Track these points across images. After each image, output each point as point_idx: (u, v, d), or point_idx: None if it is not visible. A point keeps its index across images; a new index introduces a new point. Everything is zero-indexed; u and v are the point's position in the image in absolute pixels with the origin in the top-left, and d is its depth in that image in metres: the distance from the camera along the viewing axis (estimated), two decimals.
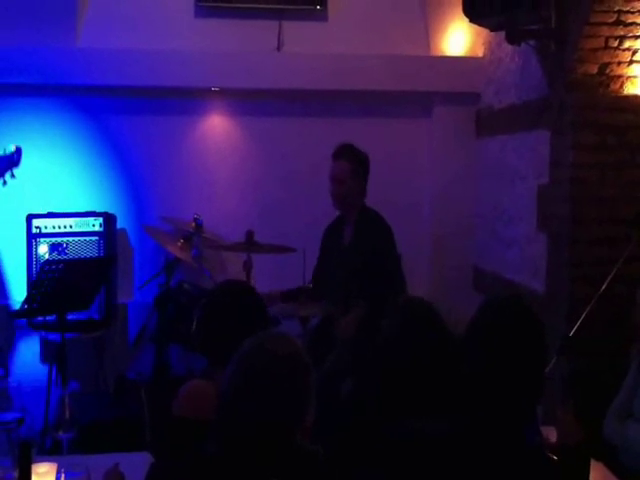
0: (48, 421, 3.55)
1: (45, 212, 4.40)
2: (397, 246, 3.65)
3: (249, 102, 4.79)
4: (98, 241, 4.40)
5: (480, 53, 4.67)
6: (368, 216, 3.66)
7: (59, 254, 4.28)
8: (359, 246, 3.59)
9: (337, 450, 1.73)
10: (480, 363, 1.84)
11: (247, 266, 3.81)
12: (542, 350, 1.86)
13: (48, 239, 4.35)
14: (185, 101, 4.75)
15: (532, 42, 3.77)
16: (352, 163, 3.66)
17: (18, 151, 3.62)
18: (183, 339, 3.77)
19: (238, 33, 4.70)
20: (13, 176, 3.62)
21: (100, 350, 4.35)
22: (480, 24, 3.94)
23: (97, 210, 4.49)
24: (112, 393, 4.02)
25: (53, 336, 4.17)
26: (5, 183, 3.63)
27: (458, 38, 4.83)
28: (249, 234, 3.77)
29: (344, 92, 4.71)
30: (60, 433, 2.98)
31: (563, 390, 3.25)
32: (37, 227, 4.36)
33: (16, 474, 2.18)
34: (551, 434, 2.14)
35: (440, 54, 4.86)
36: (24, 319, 4.11)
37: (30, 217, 4.36)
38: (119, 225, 4.60)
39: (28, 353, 4.47)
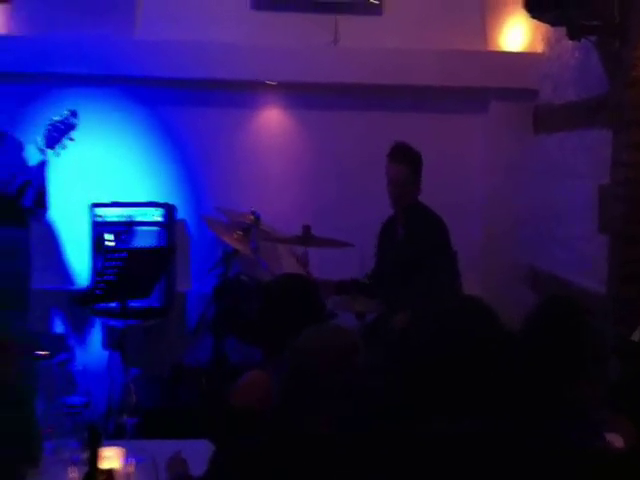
0: (111, 405, 3.68)
1: (108, 202, 4.54)
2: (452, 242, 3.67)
3: (304, 96, 4.83)
4: (159, 231, 4.51)
5: (539, 49, 4.64)
6: (421, 212, 3.70)
7: (121, 243, 4.41)
8: (413, 242, 3.64)
9: (366, 446, 1.77)
10: (534, 363, 1.86)
11: (302, 260, 3.89)
12: (599, 353, 1.87)
13: (111, 227, 4.48)
14: (241, 94, 4.82)
15: (593, 38, 3.74)
16: (409, 166, 3.73)
17: (73, 113, 3.68)
18: (239, 330, 3.87)
19: (294, 27, 4.75)
20: (71, 139, 3.69)
21: (159, 338, 4.48)
22: (540, 19, 3.92)
23: (158, 201, 4.61)
24: (170, 380, 4.14)
25: (115, 322, 4.33)
26: (65, 147, 3.71)
27: (516, 33, 4.80)
28: (306, 228, 3.84)
29: (399, 87, 4.73)
30: (125, 417, 3.09)
31: (619, 394, 3.24)
32: (100, 216, 4.50)
33: (84, 456, 2.30)
34: (616, 440, 2.12)
35: (497, 49, 4.84)
36: (88, 306, 4.26)
37: (94, 206, 4.51)
38: (178, 216, 4.73)
39: (90, 338, 4.63)
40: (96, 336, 4.62)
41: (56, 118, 3.61)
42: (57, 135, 3.60)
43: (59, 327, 4.68)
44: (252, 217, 4.30)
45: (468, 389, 2.01)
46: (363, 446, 1.73)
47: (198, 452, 2.26)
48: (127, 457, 2.30)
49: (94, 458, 1.83)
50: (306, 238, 3.86)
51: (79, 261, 4.67)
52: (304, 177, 4.85)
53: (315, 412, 1.70)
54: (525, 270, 4.72)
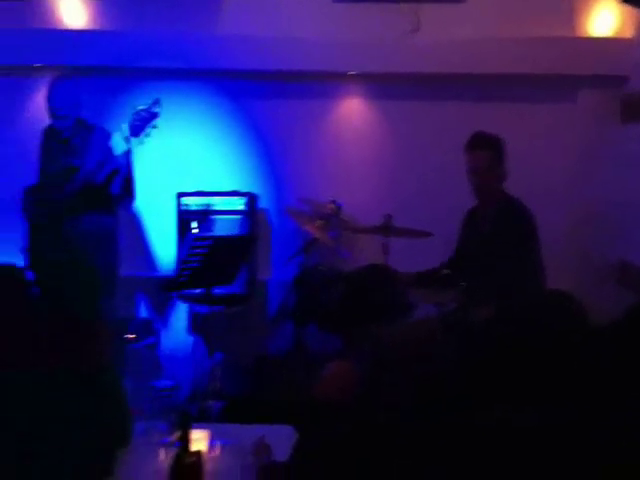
0: (196, 389, 3.78)
1: (193, 191, 4.66)
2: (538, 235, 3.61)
3: (385, 86, 4.83)
4: (241, 219, 4.60)
5: (628, 34, 4.50)
6: (509, 204, 3.63)
7: (206, 231, 4.52)
8: (498, 235, 3.58)
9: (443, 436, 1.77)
10: (619, 360, 1.82)
11: (384, 250, 3.89)
12: None
13: (196, 216, 4.59)
14: (322, 85, 4.85)
15: None
16: (489, 152, 3.64)
17: (156, 102, 3.74)
18: (319, 319, 3.91)
19: (374, 17, 4.74)
20: (155, 127, 3.74)
21: (241, 324, 4.57)
22: (630, 3, 3.80)
23: (241, 190, 4.70)
24: (252, 368, 4.23)
25: (199, 308, 4.45)
26: (148, 136, 3.77)
27: (605, 18, 4.66)
28: (387, 218, 3.84)
29: (482, 76, 4.66)
30: (210, 402, 3.16)
31: None
32: (186, 205, 4.63)
33: (173, 439, 2.39)
34: None
35: (585, 35, 4.71)
36: (174, 292, 4.38)
37: (180, 195, 4.63)
38: (260, 205, 4.81)
39: (176, 323, 4.77)
40: (181, 321, 4.75)
41: (140, 107, 3.70)
42: (141, 124, 3.68)
43: (145, 312, 4.83)
44: (333, 206, 4.34)
45: (550, 384, 1.99)
46: (440, 436, 1.74)
47: (282, 437, 2.31)
48: (213, 440, 2.37)
49: (185, 440, 1.90)
50: (386, 228, 3.86)
51: (165, 248, 4.81)
52: (385, 167, 4.85)
53: (395, 403, 1.72)
54: (614, 264, 4.59)
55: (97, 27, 4.75)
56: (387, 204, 4.46)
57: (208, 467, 2.06)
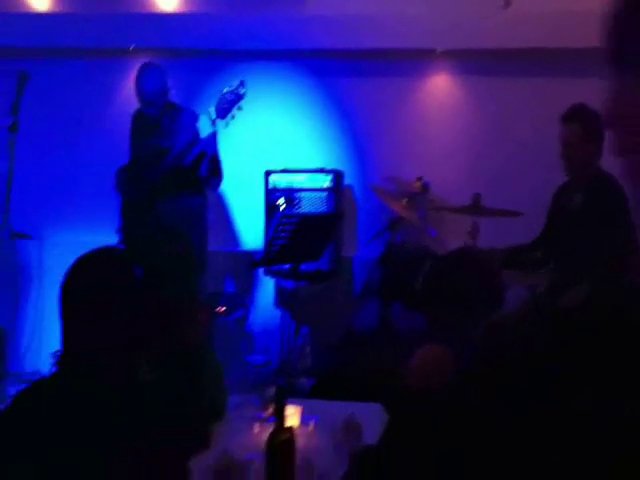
0: (286, 366, 3.88)
1: (280, 169, 4.73)
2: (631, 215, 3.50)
3: (473, 62, 4.75)
4: (327, 197, 4.65)
5: None
6: (602, 181, 3.52)
7: (293, 208, 4.59)
8: (590, 212, 3.50)
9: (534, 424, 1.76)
10: None
11: (473, 230, 3.87)
12: None
13: (283, 194, 4.67)
14: (409, 62, 4.82)
15: None
16: (583, 125, 3.53)
17: (242, 84, 3.80)
18: (405, 297, 3.93)
19: None
20: (240, 109, 3.80)
21: (328, 300, 4.64)
22: None
23: (327, 167, 4.75)
24: (339, 343, 4.29)
25: (286, 283, 4.55)
26: (234, 117, 3.84)
27: None
28: (475, 197, 3.81)
29: (574, 50, 4.52)
30: (301, 379, 3.24)
31: None
32: (273, 182, 4.71)
33: (266, 413, 2.47)
34: None
35: None
36: (263, 267, 4.49)
37: (268, 173, 4.71)
38: (346, 182, 4.84)
39: (263, 298, 4.88)
40: (268, 296, 4.86)
41: (226, 89, 3.77)
42: (227, 106, 3.75)
43: (233, 287, 4.96)
44: (419, 184, 4.33)
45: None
46: (532, 423, 1.74)
47: (371, 416, 2.35)
48: (305, 416, 2.44)
49: (280, 417, 1.96)
50: (475, 207, 3.82)
51: (253, 225, 4.91)
52: (472, 144, 4.79)
53: (494, 394, 1.72)
54: None
55: (186, 10, 4.85)
56: (475, 182, 4.42)
57: (300, 443, 2.12)
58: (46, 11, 4.95)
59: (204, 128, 3.78)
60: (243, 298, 4.66)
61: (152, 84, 4.02)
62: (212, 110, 3.74)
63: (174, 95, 4.22)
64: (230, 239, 5.01)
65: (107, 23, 4.75)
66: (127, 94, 4.74)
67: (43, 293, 4.84)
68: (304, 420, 2.40)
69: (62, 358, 1.81)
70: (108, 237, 4.22)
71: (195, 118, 3.98)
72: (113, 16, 4.77)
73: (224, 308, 4.37)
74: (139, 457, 1.76)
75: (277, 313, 4.63)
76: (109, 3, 4.85)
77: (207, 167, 3.91)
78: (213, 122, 3.74)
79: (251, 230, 4.95)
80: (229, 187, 4.82)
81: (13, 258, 4.79)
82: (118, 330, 1.78)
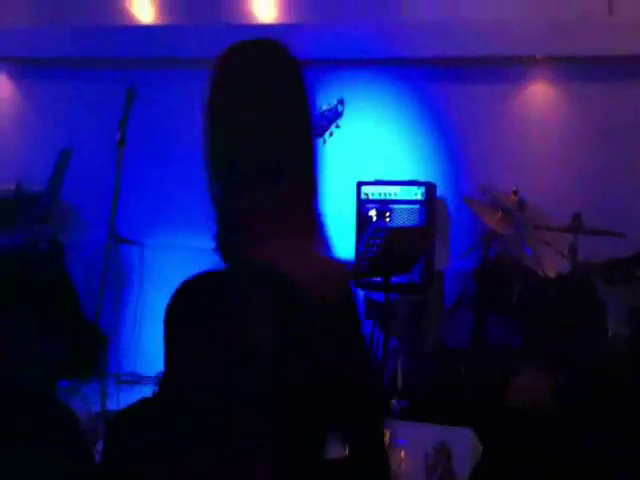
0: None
1: (373, 180, 4.72)
2: None
3: (576, 70, 4.61)
4: (420, 209, 4.60)
5: None
6: None
7: (384, 220, 4.57)
8: None
9: None
10: None
11: (571, 250, 3.76)
12: None
13: (375, 205, 4.66)
14: (507, 69, 4.72)
15: None
16: None
17: (341, 102, 3.80)
18: (501, 310, 3.85)
19: None
20: (338, 126, 3.80)
21: (418, 313, 4.60)
22: None
23: (419, 179, 4.70)
24: (431, 357, 4.25)
25: (377, 295, 4.53)
26: (332, 134, 3.88)
27: None
28: (576, 217, 3.70)
29: None
30: (393, 400, 3.23)
31: None
32: (366, 193, 4.70)
33: None
34: None
35: None
36: (356, 280, 4.48)
37: (360, 184, 4.71)
38: (438, 194, 4.78)
39: None
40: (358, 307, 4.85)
41: (324, 107, 3.80)
42: (326, 123, 3.78)
43: None
44: (515, 198, 4.23)
45: None
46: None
47: (462, 441, 2.33)
48: (395, 439, 2.43)
49: None
50: (577, 228, 3.70)
51: (343, 236, 4.92)
52: (573, 157, 4.63)
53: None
54: None
55: (284, 21, 4.91)
56: (574, 197, 4.29)
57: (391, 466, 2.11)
58: (150, 23, 5.11)
59: None
60: None
61: None
62: None
63: None
64: (322, 249, 5.02)
65: (208, 34, 4.85)
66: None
67: (143, 296, 4.99)
68: (394, 443, 2.39)
69: (163, 382, 1.85)
70: (204, 242, 4.32)
71: None
72: (214, 27, 4.87)
73: None
74: None
75: (366, 325, 4.61)
76: (210, 15, 4.96)
77: None
78: None
79: (342, 240, 4.95)
80: (325, 196, 4.85)
81: (117, 262, 4.97)
82: None
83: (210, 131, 1.33)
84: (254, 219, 1.30)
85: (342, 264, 1.38)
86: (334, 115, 3.76)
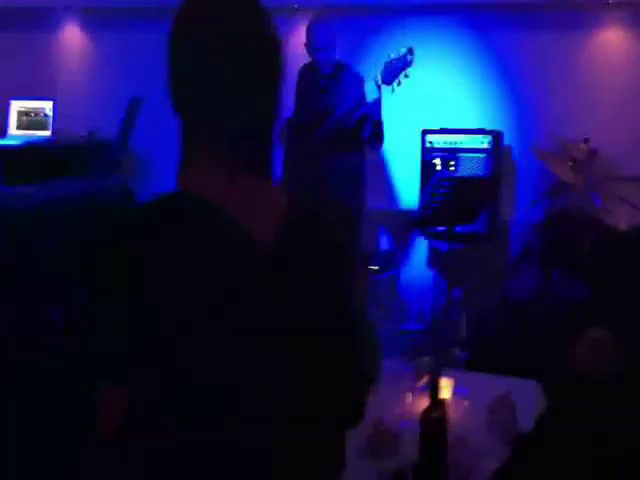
0: (440, 334, 3.87)
1: (438, 128, 4.67)
2: None
3: None
4: (486, 158, 4.53)
5: None
6: None
7: (449, 170, 4.53)
8: None
9: None
10: None
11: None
12: None
13: (440, 154, 4.61)
14: (579, 14, 4.57)
15: None
16: None
17: (410, 51, 3.77)
18: (568, 265, 3.80)
19: None
20: (407, 76, 3.79)
21: (482, 264, 4.58)
22: None
23: (486, 127, 4.63)
24: (494, 310, 4.24)
25: (440, 245, 4.53)
26: (400, 84, 3.83)
27: None
28: None
29: None
30: (456, 351, 3.26)
31: None
32: (430, 142, 4.65)
33: (420, 383, 2.51)
34: None
35: None
36: (420, 228, 4.49)
37: (425, 132, 4.66)
38: (505, 142, 4.70)
39: (416, 258, 4.89)
40: (421, 256, 4.87)
41: (393, 55, 3.76)
42: (394, 72, 3.75)
43: (387, 245, 5.00)
44: (585, 148, 4.13)
45: None
46: None
47: (526, 393, 2.33)
48: (458, 389, 2.46)
49: (435, 393, 1.99)
50: None
51: (408, 184, 4.91)
52: None
53: None
54: None
55: None
56: None
57: (453, 418, 2.14)
58: None
59: (370, 92, 3.81)
60: (397, 257, 4.70)
61: (324, 36, 4.05)
62: (379, 75, 3.75)
63: (339, 53, 4.24)
64: (386, 197, 5.03)
65: None
66: (293, 51, 4.81)
67: None
68: (457, 393, 2.42)
69: None
70: None
71: (360, 80, 4.02)
72: None
73: (377, 267, 4.42)
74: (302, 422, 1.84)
75: (429, 274, 4.63)
76: None
77: (370, 130, 3.94)
78: (379, 87, 3.75)
79: (407, 188, 4.94)
80: (387, 144, 4.83)
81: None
82: None
83: (171, 76, 1.35)
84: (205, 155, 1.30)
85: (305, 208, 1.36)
86: (402, 64, 3.72)
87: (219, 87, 1.27)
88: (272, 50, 1.31)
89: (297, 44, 4.68)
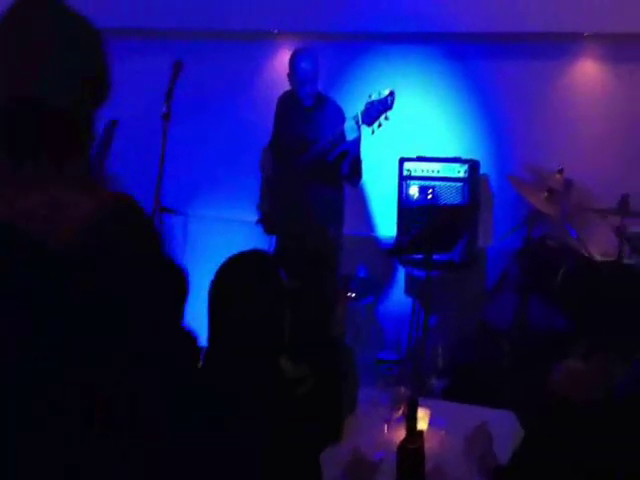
0: (417, 362, 3.86)
1: (415, 156, 4.69)
2: None
3: (625, 48, 4.48)
4: (462, 187, 4.55)
5: None
6: None
7: (426, 198, 4.55)
8: None
9: None
10: None
11: (618, 234, 3.71)
12: None
13: (417, 182, 4.63)
14: (553, 45, 4.63)
15: None
16: None
17: (391, 94, 3.79)
18: (545, 292, 3.83)
19: None
20: (387, 119, 3.81)
21: (460, 291, 4.59)
22: None
23: (462, 156, 4.65)
24: (472, 336, 4.25)
25: (417, 272, 4.54)
26: (380, 125, 3.84)
27: None
28: (623, 199, 3.64)
29: None
30: (434, 379, 3.25)
31: None
32: (408, 170, 4.66)
33: (397, 414, 2.50)
34: None
35: None
36: (396, 256, 4.50)
37: (402, 160, 4.68)
38: (481, 171, 4.74)
39: (394, 285, 4.89)
40: (398, 283, 4.87)
41: (374, 97, 3.78)
42: (374, 114, 3.76)
43: (364, 272, 4.99)
44: (560, 178, 4.18)
45: None
46: None
47: (503, 423, 2.33)
48: (435, 419, 2.45)
49: (412, 425, 1.99)
50: (624, 210, 3.64)
51: (386, 211, 4.91)
52: (621, 138, 4.55)
53: None
54: None
55: None
56: (622, 180, 4.20)
57: (430, 448, 2.14)
58: None
59: (350, 130, 3.82)
60: (374, 284, 4.70)
61: (306, 70, 4.03)
62: (360, 115, 3.77)
63: (320, 80, 4.24)
64: (364, 224, 5.03)
65: (256, 6, 4.83)
66: (272, 76, 4.82)
67: (185, 264, 5.04)
68: (434, 424, 2.41)
69: (209, 354, 1.91)
70: (247, 214, 4.40)
71: (341, 114, 4.03)
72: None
73: (354, 294, 4.42)
74: (276, 449, 1.83)
75: (407, 302, 4.63)
76: None
77: (349, 167, 3.96)
78: (359, 126, 3.77)
79: (385, 216, 4.95)
80: (365, 171, 4.85)
81: (161, 232, 5.03)
82: (264, 329, 1.86)
83: None
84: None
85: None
86: (384, 107, 3.74)
87: None
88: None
89: (277, 68, 4.72)
